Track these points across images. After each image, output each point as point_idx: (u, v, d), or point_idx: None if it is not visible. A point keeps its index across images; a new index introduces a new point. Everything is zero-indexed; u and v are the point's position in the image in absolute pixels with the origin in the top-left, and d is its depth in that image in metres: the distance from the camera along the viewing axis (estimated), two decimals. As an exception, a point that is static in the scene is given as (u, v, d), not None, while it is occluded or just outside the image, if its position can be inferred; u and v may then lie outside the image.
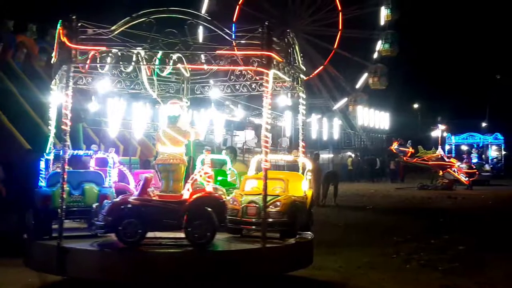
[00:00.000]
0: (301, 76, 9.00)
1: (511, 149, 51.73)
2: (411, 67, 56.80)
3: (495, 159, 35.67)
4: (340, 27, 44.61)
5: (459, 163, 27.92)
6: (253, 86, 10.17)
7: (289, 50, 8.02)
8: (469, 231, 12.74)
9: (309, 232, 8.03)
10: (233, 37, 7.48)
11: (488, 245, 10.98)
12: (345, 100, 47.64)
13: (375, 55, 45.26)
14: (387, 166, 35.86)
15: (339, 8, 44.50)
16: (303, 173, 8.34)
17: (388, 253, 10.08)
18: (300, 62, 8.90)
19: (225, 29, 7.19)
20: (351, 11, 44.20)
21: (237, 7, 44.97)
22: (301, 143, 9.02)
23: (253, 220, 7.30)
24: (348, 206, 18.70)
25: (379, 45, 44.99)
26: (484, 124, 51.61)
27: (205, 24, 7.34)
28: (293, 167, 11.21)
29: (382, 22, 44.59)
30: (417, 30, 54.66)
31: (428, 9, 58.97)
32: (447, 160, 27.75)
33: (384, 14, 44.37)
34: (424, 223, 14.19)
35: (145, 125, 14.20)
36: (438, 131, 33.74)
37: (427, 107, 63.60)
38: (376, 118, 49.30)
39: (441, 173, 27.31)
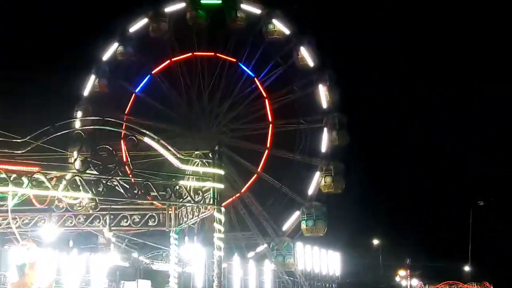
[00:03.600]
0: (216, 186, 9.02)
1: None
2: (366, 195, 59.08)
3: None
4: (269, 145, 46.41)
5: None
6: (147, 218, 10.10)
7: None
8: None
9: None
10: None
11: None
12: (264, 247, 47.39)
13: (311, 191, 46.01)
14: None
15: (270, 120, 46.70)
16: None
17: None
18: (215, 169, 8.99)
19: None
20: (282, 125, 46.65)
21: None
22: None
23: None
24: None
25: (317, 178, 46.07)
26: (467, 269, 53.18)
27: None
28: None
29: (324, 148, 45.81)
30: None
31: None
32: None
33: (331, 135, 45.69)
34: None
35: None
36: (407, 279, 34.02)
37: (391, 244, 65.21)
38: (323, 260, 49.57)
39: None
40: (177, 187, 9.46)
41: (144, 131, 9.22)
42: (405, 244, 61.36)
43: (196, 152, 9.87)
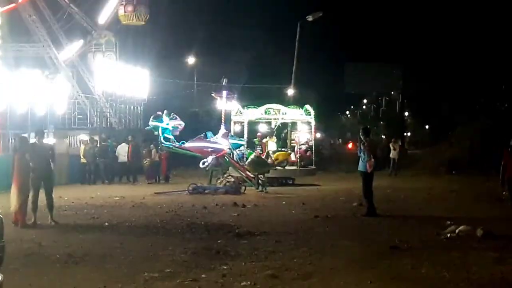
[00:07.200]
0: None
1: (329, 129, 57.00)
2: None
3: (302, 145, 37.71)
4: None
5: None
6: None
7: None
8: (258, 257, 13.60)
9: None
10: None
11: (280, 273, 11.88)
12: (80, 43, 47.16)
13: None
14: (142, 157, 36.39)
15: None
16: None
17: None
18: None
19: None
20: None
21: None
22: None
23: None
24: (75, 225, 18.75)
25: None
26: (290, 92, 55.59)
27: None
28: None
29: None
30: None
31: None
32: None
33: None
34: (194, 247, 14.70)
35: None
36: (222, 100, 34.58)
37: (209, 63, 66.43)
38: (128, 79, 49.54)
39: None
40: None
41: None
42: (224, 64, 62.63)
43: None
